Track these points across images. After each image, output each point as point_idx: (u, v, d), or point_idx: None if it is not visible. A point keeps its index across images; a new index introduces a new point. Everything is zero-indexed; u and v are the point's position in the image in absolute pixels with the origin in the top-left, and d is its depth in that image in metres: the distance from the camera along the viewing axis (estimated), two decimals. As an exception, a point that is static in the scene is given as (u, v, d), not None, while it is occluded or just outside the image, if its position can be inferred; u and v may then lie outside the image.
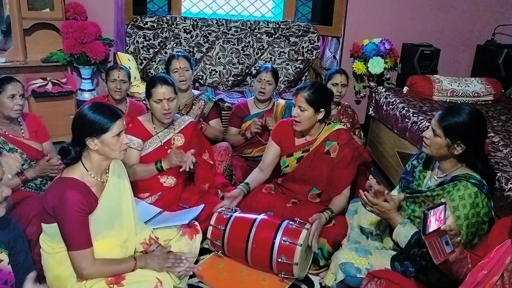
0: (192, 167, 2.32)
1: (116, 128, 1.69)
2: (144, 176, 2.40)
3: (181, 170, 2.31)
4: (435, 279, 1.70)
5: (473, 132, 1.70)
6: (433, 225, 1.36)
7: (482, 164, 1.73)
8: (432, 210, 1.36)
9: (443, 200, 1.41)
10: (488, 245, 1.49)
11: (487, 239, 1.54)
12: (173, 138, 2.50)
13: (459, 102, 3.48)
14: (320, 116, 2.32)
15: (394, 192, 2.06)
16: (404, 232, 1.76)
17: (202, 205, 2.31)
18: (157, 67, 3.93)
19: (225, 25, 4.01)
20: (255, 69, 3.90)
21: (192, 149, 2.37)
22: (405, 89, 3.65)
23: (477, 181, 1.69)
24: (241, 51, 4.08)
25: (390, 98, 3.50)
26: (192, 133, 2.56)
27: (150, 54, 3.92)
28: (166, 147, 2.47)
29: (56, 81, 3.47)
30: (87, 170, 1.72)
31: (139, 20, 3.85)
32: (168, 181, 2.46)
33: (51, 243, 1.73)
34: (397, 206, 1.84)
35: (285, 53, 4.13)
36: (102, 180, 1.77)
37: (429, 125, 1.85)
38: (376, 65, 3.94)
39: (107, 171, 1.81)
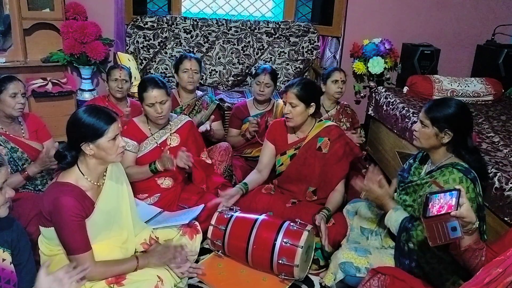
0: (189, 165, 2.33)
1: (111, 132, 1.67)
2: (139, 178, 2.39)
3: (174, 167, 2.29)
4: (427, 265, 1.72)
5: (459, 118, 1.77)
6: (436, 210, 1.35)
7: (471, 155, 1.78)
8: (438, 195, 1.36)
9: (456, 187, 1.40)
10: (505, 245, 1.47)
11: (505, 238, 1.53)
12: (168, 138, 2.49)
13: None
14: (311, 110, 2.35)
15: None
16: (394, 217, 1.86)
17: (202, 205, 2.32)
18: (157, 67, 3.93)
19: (225, 25, 4.01)
20: (255, 69, 3.89)
21: (183, 147, 2.37)
22: (405, 89, 3.66)
23: (463, 168, 1.73)
24: (241, 51, 4.08)
25: (390, 98, 3.50)
26: (188, 133, 2.54)
27: (150, 54, 3.92)
28: (162, 148, 2.46)
29: (56, 81, 3.46)
30: (83, 174, 1.71)
31: (139, 20, 3.85)
32: (166, 182, 2.46)
33: (49, 246, 1.74)
34: (393, 191, 1.96)
35: (285, 53, 4.13)
36: (98, 184, 1.76)
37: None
38: (376, 65, 3.94)
39: (104, 174, 1.79)
